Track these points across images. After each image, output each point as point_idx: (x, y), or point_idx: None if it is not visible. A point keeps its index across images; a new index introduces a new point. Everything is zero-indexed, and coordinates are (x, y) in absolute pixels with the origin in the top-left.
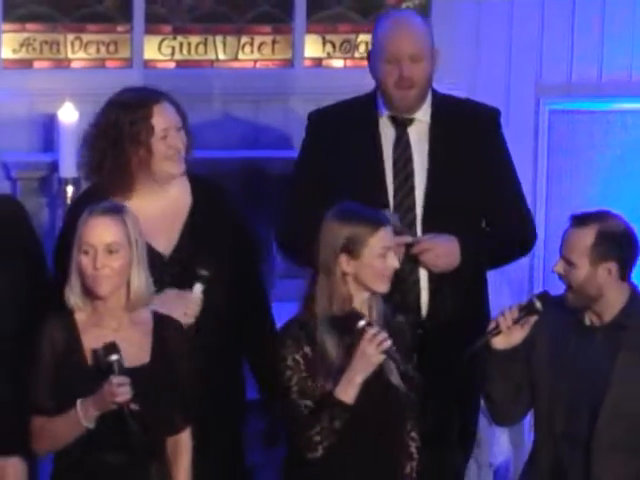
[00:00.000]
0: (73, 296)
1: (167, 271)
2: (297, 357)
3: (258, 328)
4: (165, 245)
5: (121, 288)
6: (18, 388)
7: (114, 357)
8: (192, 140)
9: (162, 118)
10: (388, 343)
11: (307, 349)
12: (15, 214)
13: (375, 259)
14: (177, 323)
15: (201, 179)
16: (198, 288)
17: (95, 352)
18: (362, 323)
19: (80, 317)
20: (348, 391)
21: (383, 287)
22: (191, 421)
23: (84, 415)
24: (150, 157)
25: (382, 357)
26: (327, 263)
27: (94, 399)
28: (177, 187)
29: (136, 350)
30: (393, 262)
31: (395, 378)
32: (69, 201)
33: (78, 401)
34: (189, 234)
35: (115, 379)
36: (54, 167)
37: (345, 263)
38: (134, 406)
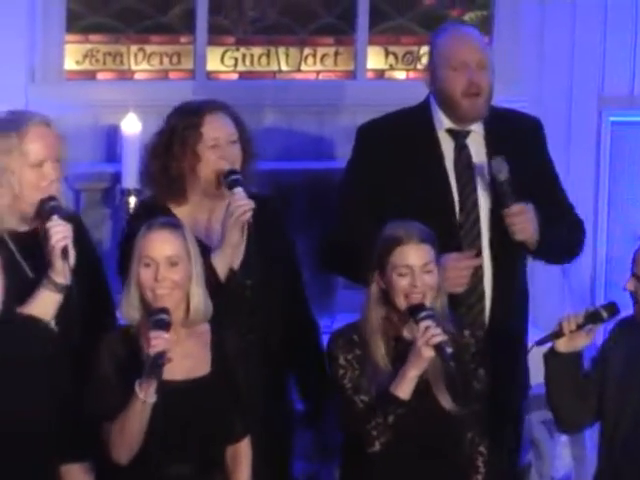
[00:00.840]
0: (131, 310)
1: (237, 282)
2: (349, 357)
3: (304, 340)
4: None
5: (181, 303)
6: (78, 398)
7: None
8: (252, 153)
9: (213, 127)
10: (439, 338)
11: (358, 352)
12: (77, 230)
13: (395, 277)
14: (234, 333)
15: (252, 193)
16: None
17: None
18: (420, 315)
19: (137, 331)
20: (402, 386)
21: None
22: (250, 430)
23: (144, 392)
24: (197, 164)
25: (431, 353)
26: (368, 277)
27: (145, 372)
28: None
29: (195, 362)
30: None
31: (445, 399)
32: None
33: (136, 382)
34: (254, 245)
35: (152, 333)
36: (117, 178)
37: (379, 279)
38: (169, 357)
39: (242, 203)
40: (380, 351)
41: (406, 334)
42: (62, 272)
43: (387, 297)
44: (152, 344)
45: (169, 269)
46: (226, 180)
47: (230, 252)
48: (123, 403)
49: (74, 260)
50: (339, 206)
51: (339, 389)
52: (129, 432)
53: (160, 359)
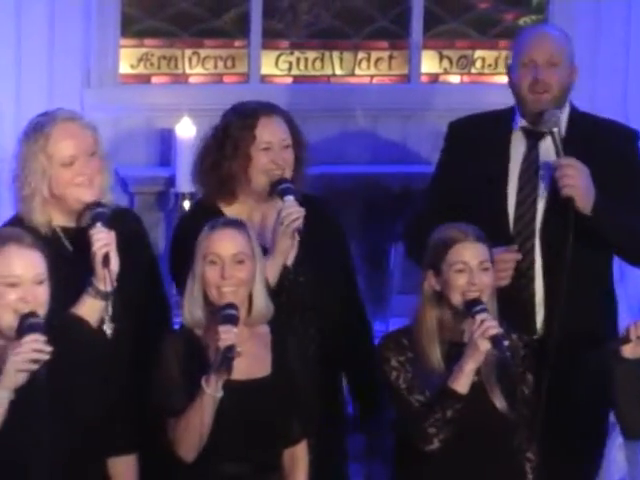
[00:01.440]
0: (195, 309)
1: (291, 280)
2: (401, 359)
3: (358, 341)
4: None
5: (245, 302)
6: (131, 392)
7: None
8: (305, 159)
9: (267, 131)
10: (495, 331)
11: (410, 354)
12: (136, 228)
13: (452, 275)
14: (295, 336)
15: (305, 194)
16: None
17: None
18: (475, 308)
19: (200, 333)
20: (460, 380)
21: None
22: (309, 433)
23: (210, 387)
24: (248, 166)
25: (487, 345)
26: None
27: (213, 367)
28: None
29: (256, 363)
30: (474, 279)
31: (500, 401)
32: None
33: (203, 378)
34: (307, 245)
35: (221, 327)
36: (171, 182)
37: (432, 279)
38: (238, 351)
39: (292, 211)
40: (435, 352)
41: (458, 337)
42: (104, 279)
43: (440, 298)
44: (222, 338)
45: (235, 267)
46: (277, 188)
47: (280, 260)
48: (187, 400)
49: (117, 267)
50: (425, 197)
51: (393, 390)
52: (195, 428)
53: (230, 353)
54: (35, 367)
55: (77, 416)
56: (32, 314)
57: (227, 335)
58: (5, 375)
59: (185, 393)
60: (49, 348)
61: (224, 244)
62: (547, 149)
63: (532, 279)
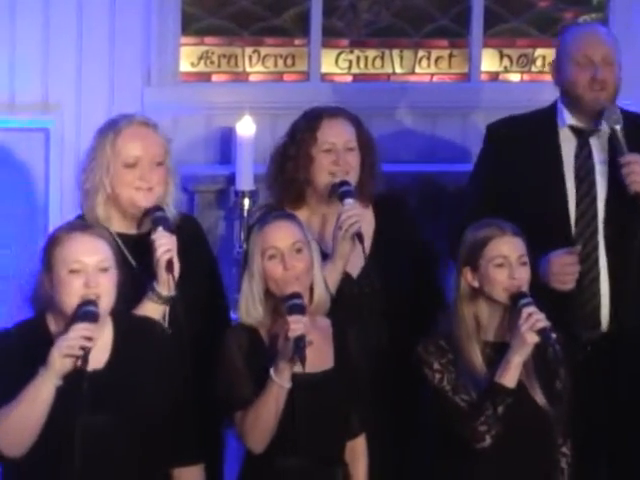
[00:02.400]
0: (255, 305)
1: (356, 288)
2: (443, 361)
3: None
4: (352, 264)
5: (307, 291)
6: (195, 396)
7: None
8: (372, 162)
9: (329, 132)
10: (543, 323)
11: (450, 356)
12: (195, 233)
13: (492, 269)
14: (353, 330)
15: (383, 195)
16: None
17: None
18: (522, 302)
19: (261, 328)
20: (508, 374)
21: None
22: (366, 427)
23: (280, 377)
24: (310, 167)
25: (535, 338)
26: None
27: (279, 355)
28: (360, 203)
29: (319, 355)
30: (515, 273)
31: (540, 397)
32: (245, 214)
33: (271, 369)
34: (377, 253)
35: (291, 317)
36: (231, 180)
37: (469, 276)
38: (309, 339)
39: (351, 214)
40: (475, 350)
41: (494, 336)
42: (166, 284)
43: (476, 295)
44: (292, 328)
45: (295, 256)
46: (337, 191)
47: (341, 264)
48: (255, 393)
49: (178, 271)
50: (466, 201)
51: (439, 393)
52: (264, 419)
53: (301, 342)
54: (80, 353)
55: (142, 416)
56: (90, 302)
57: (297, 325)
58: (51, 360)
59: (250, 385)
60: (96, 336)
61: (280, 236)
62: (597, 146)
63: (596, 278)
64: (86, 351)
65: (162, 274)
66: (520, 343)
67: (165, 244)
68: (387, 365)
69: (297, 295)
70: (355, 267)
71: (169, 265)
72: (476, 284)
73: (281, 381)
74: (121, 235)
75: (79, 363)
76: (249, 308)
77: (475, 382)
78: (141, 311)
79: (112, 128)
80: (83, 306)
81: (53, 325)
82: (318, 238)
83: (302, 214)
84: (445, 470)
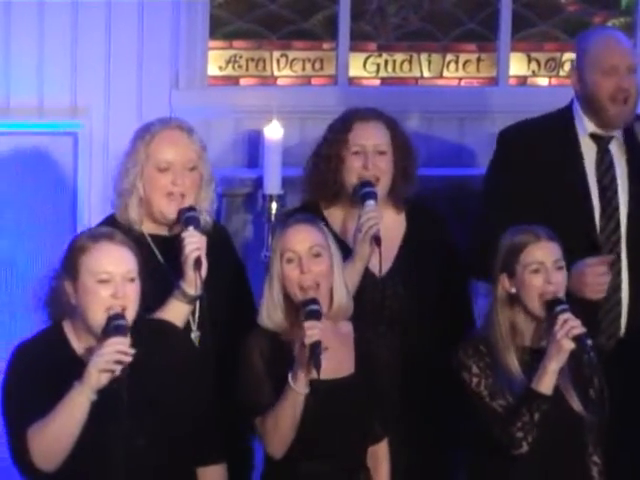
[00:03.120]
0: (274, 308)
1: (379, 290)
2: (481, 365)
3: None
4: (376, 263)
5: (325, 297)
6: (217, 400)
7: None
8: (405, 166)
9: (360, 135)
10: (579, 330)
11: (488, 360)
12: (222, 238)
13: (528, 276)
14: (376, 334)
15: (415, 201)
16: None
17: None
18: (558, 308)
19: (281, 332)
20: (544, 381)
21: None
22: (388, 432)
23: (297, 384)
24: (341, 168)
25: (572, 345)
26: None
27: (296, 361)
28: (390, 209)
29: (339, 361)
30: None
31: (576, 404)
32: (273, 218)
33: (289, 375)
34: (403, 258)
35: (306, 323)
36: (259, 184)
37: (506, 282)
38: (325, 346)
39: (371, 216)
40: (512, 357)
41: (531, 342)
42: (193, 283)
43: (513, 302)
44: (307, 334)
45: (312, 260)
46: (359, 192)
47: (360, 265)
48: (274, 398)
49: (206, 272)
50: (481, 209)
51: (476, 397)
52: (283, 425)
53: (317, 348)
54: (117, 368)
55: (166, 420)
56: (119, 315)
57: (312, 331)
58: (87, 375)
59: (271, 390)
60: (132, 351)
61: (299, 239)
62: (616, 152)
63: (619, 287)
64: (123, 365)
65: (189, 272)
66: (556, 350)
67: (194, 242)
68: (408, 370)
69: (314, 301)
70: (382, 267)
71: (197, 263)
72: (513, 290)
73: (298, 387)
74: (152, 236)
75: (117, 373)
76: (269, 312)
77: (512, 387)
78: (167, 310)
79: (148, 131)
80: (113, 320)
81: (71, 333)
82: (341, 234)
83: (336, 213)
84: (482, 473)
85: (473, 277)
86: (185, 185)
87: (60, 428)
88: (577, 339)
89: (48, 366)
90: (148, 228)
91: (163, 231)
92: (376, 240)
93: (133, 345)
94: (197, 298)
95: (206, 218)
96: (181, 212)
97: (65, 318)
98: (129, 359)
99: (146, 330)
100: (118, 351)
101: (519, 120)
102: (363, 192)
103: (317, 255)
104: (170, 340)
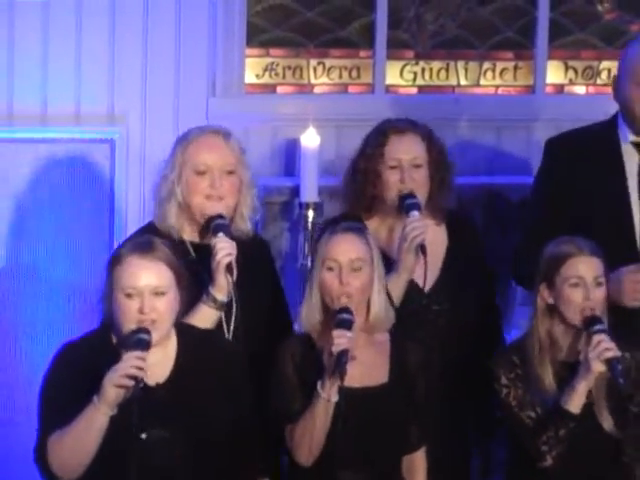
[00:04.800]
0: (312, 313)
1: (425, 304)
2: (511, 376)
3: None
4: (420, 274)
5: (361, 308)
6: (262, 409)
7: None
8: (443, 179)
9: (396, 149)
10: (611, 354)
11: (519, 371)
12: (257, 245)
13: (567, 290)
14: (417, 344)
15: (455, 212)
16: None
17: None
18: (594, 328)
19: (316, 338)
20: (573, 400)
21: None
22: (426, 440)
23: (326, 392)
24: (377, 182)
25: (602, 367)
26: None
27: (327, 371)
28: (430, 221)
29: (374, 370)
30: (590, 295)
31: (607, 423)
32: (310, 226)
33: (318, 383)
34: (448, 271)
35: (335, 332)
36: (296, 192)
37: (546, 293)
38: (352, 355)
39: (416, 226)
40: (547, 368)
41: (568, 356)
42: (223, 288)
43: (552, 312)
44: (335, 342)
45: (352, 273)
46: (403, 203)
47: (405, 276)
48: (304, 405)
49: (235, 277)
50: (527, 217)
51: (505, 407)
52: (312, 434)
53: (343, 357)
54: (131, 383)
55: (202, 432)
56: (143, 330)
57: (340, 340)
58: (103, 391)
59: (303, 398)
60: (145, 365)
61: (342, 250)
62: None
63: None
64: (138, 380)
65: (220, 278)
66: (586, 370)
67: (225, 248)
68: (446, 380)
69: (346, 310)
70: (427, 280)
71: (229, 269)
72: (551, 301)
73: (327, 395)
74: (193, 244)
75: (132, 391)
76: (307, 313)
77: (544, 399)
78: (195, 315)
79: (186, 137)
80: (135, 333)
81: (115, 339)
82: (385, 248)
83: (372, 224)
84: None
85: (518, 284)
86: (223, 188)
87: (76, 441)
88: (608, 362)
89: (91, 368)
90: (189, 236)
91: (197, 238)
92: (422, 249)
93: (179, 353)
94: (226, 304)
95: (247, 224)
96: (209, 220)
97: (110, 323)
98: (143, 375)
99: (191, 339)
100: (134, 366)
101: (555, 129)
102: (407, 203)
103: (358, 269)
104: (215, 351)
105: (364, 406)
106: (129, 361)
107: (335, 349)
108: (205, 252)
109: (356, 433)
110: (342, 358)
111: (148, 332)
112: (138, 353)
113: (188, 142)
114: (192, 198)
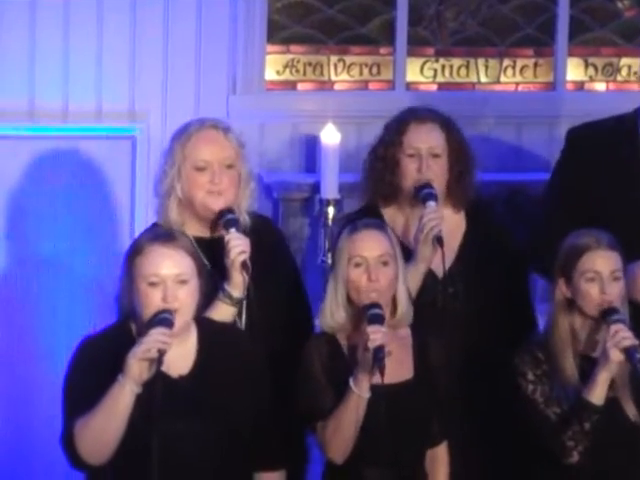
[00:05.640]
0: (337, 310)
1: (440, 290)
2: (538, 372)
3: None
4: (438, 264)
5: (388, 303)
6: (278, 404)
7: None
8: (462, 169)
9: (414, 137)
10: (629, 342)
11: (545, 367)
12: (276, 238)
13: (584, 284)
14: (436, 337)
15: (475, 202)
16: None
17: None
18: (612, 318)
19: (341, 336)
20: (595, 391)
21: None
22: (449, 434)
23: (359, 388)
24: (396, 169)
25: (620, 356)
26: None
27: (358, 366)
28: (449, 209)
29: (399, 366)
30: (606, 289)
31: (633, 412)
32: (330, 223)
33: (350, 379)
34: (464, 256)
35: (370, 328)
36: (316, 188)
37: (564, 287)
38: (389, 350)
39: (432, 217)
40: (570, 363)
41: (590, 349)
42: (239, 285)
43: (572, 306)
44: (371, 338)
45: (381, 269)
46: (419, 193)
47: (422, 267)
48: (334, 402)
49: (250, 274)
50: (545, 207)
51: (530, 404)
52: (344, 430)
53: (380, 352)
54: (155, 355)
55: (226, 423)
56: (166, 310)
57: (376, 335)
58: (127, 366)
59: (332, 395)
60: (171, 342)
61: (368, 246)
62: None
63: None
64: (161, 353)
65: (236, 276)
66: (605, 360)
67: (239, 245)
68: (470, 370)
69: (377, 305)
70: (440, 269)
71: (244, 266)
72: (570, 295)
73: (360, 391)
74: (196, 238)
75: (154, 368)
76: (333, 313)
77: (568, 394)
78: (212, 313)
79: (183, 132)
80: (159, 314)
81: (135, 331)
82: (402, 237)
83: (394, 214)
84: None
85: (534, 273)
86: (223, 183)
87: (104, 421)
88: (626, 351)
89: (112, 360)
90: (192, 231)
91: (206, 234)
92: (438, 241)
93: (200, 346)
94: (242, 300)
95: (245, 218)
96: (220, 214)
97: (130, 316)
98: (167, 347)
99: (211, 332)
100: (158, 340)
101: (576, 124)
102: (424, 194)
103: (385, 264)
104: (235, 344)
105: (392, 403)
106: (153, 336)
107: (371, 345)
108: (208, 247)
109: (385, 430)
110: (379, 353)
111: (171, 312)
112: (162, 329)
113: (187, 137)
114: (193, 194)
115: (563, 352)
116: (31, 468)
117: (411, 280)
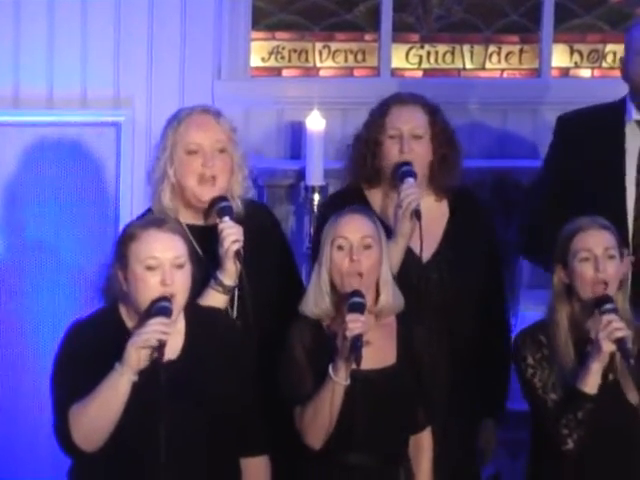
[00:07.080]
0: (321, 296)
1: (423, 275)
2: (537, 357)
3: (497, 339)
4: (423, 248)
5: (370, 290)
6: (262, 388)
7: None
8: (445, 152)
9: (396, 119)
10: (620, 333)
11: (546, 352)
12: (269, 222)
13: (578, 265)
14: (422, 325)
15: (459, 189)
16: None
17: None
18: (604, 307)
19: (325, 321)
20: (587, 380)
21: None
22: (433, 420)
23: (337, 375)
24: (378, 151)
25: (612, 347)
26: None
27: (338, 354)
28: (431, 196)
29: (381, 352)
30: (600, 266)
31: (634, 397)
32: (316, 209)
33: (330, 366)
34: (448, 243)
35: (348, 316)
36: (301, 175)
37: (562, 273)
38: (366, 339)
39: (410, 192)
40: (568, 350)
41: (589, 333)
42: (232, 274)
43: (570, 293)
44: (349, 327)
45: (363, 251)
46: (397, 171)
47: (402, 243)
48: (314, 388)
49: (242, 262)
50: (536, 190)
51: (529, 388)
52: (322, 416)
53: (358, 342)
54: (155, 344)
55: (211, 408)
56: (164, 298)
57: (354, 324)
58: (126, 355)
59: (312, 381)
60: (170, 330)
61: (352, 228)
62: None
63: None
64: (161, 343)
65: (229, 264)
66: (597, 350)
67: (233, 234)
68: (454, 355)
69: (358, 293)
70: (425, 252)
71: (238, 255)
72: (567, 281)
73: (338, 378)
74: (189, 226)
75: (155, 355)
76: (317, 299)
77: (566, 381)
78: (205, 300)
79: (175, 118)
80: (157, 302)
81: (125, 315)
82: (381, 215)
83: (377, 195)
84: (538, 465)
85: (524, 258)
86: (216, 167)
87: (100, 408)
88: (617, 342)
89: (102, 345)
90: (185, 218)
91: (199, 221)
92: (416, 214)
93: (188, 330)
94: (234, 288)
95: (238, 204)
96: (214, 202)
97: (120, 302)
98: (167, 337)
99: (197, 317)
100: (157, 330)
101: (561, 113)
102: (402, 171)
103: (368, 246)
104: (220, 328)
105: (373, 388)
106: (153, 326)
107: (349, 334)
108: (201, 235)
109: (365, 415)
110: (357, 343)
111: (169, 300)
112: (161, 319)
113: (178, 122)
114: (185, 180)
115: (562, 339)
116: (15, 452)
117: (392, 257)
